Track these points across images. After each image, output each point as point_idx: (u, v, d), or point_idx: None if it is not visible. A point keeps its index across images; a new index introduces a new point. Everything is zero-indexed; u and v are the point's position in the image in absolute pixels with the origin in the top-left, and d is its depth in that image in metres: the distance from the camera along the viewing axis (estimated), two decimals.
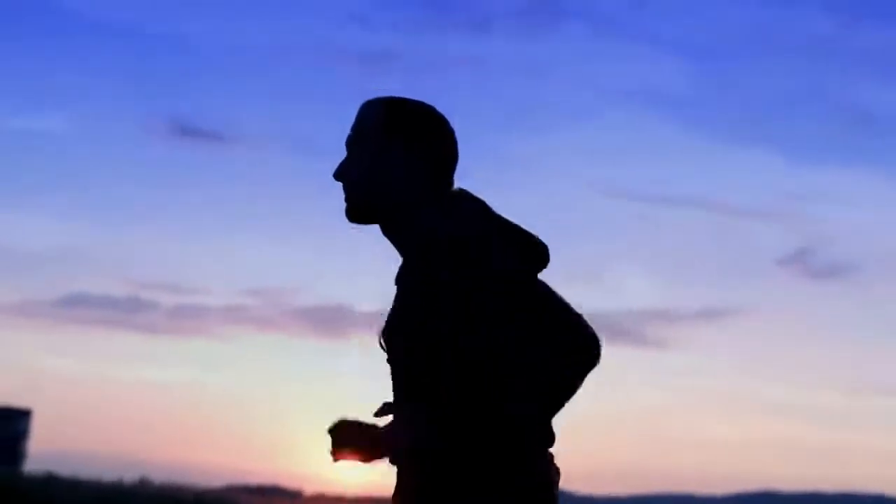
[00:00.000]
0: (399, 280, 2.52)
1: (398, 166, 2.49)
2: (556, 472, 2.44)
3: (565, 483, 2.45)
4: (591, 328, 2.39)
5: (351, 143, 2.55)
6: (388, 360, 2.49)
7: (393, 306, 2.50)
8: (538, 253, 2.43)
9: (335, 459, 2.49)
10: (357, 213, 2.53)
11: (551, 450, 2.43)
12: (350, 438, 2.47)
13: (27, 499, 21.08)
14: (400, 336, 2.43)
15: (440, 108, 2.57)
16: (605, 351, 2.40)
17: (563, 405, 2.39)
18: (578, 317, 2.39)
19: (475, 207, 2.46)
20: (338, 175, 2.54)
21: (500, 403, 2.32)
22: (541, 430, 2.39)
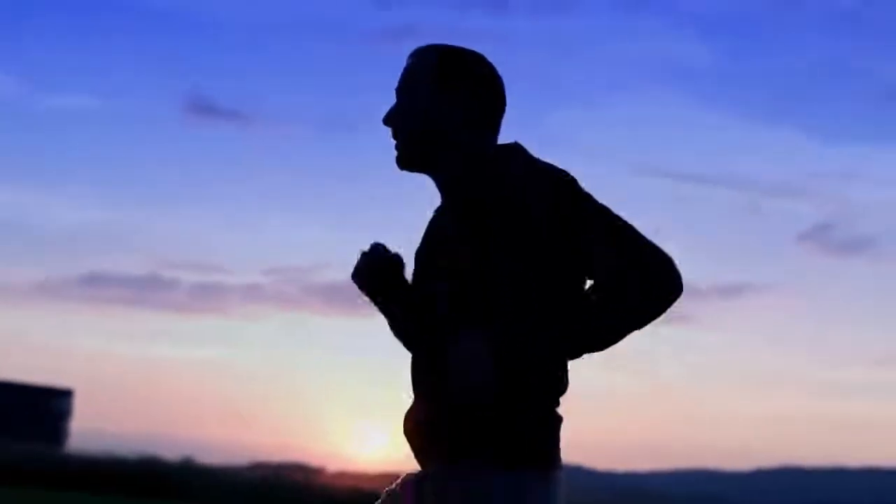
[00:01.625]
0: (442, 223, 2.57)
1: (450, 113, 2.53)
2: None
3: (587, 459, 3.16)
4: (673, 262, 2.43)
5: (401, 89, 2.59)
6: (428, 284, 2.55)
7: (432, 243, 2.58)
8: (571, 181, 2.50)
9: (356, 282, 2.63)
10: (409, 159, 2.57)
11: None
12: (379, 275, 2.60)
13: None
14: (476, 259, 2.43)
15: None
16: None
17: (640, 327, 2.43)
18: (659, 249, 2.43)
19: (529, 160, 2.50)
20: (388, 120, 2.58)
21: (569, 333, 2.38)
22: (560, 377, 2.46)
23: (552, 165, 2.47)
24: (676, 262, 2.41)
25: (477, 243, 2.42)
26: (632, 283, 2.37)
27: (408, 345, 2.61)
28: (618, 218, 2.43)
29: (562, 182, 2.42)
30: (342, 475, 26.13)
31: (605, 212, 2.43)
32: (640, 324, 2.40)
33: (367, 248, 2.60)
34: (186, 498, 20.98)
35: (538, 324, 2.37)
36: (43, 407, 35.18)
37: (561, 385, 2.44)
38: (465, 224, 2.46)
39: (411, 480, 2.48)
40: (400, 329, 2.64)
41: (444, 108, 2.52)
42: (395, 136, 2.57)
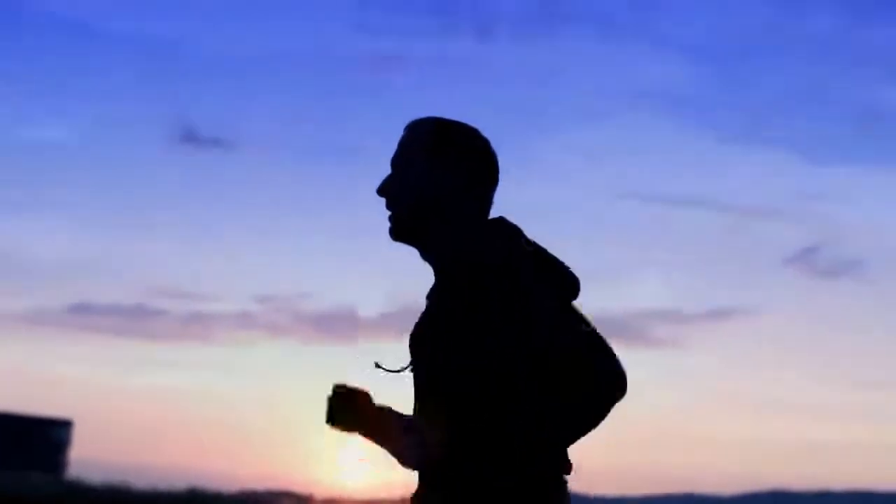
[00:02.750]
0: (433, 297, 2.55)
1: (444, 187, 2.52)
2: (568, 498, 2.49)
3: (575, 484, 2.47)
4: (620, 365, 2.43)
5: (397, 161, 2.58)
6: (416, 372, 2.53)
7: (425, 320, 2.54)
8: (571, 283, 2.48)
9: (332, 427, 2.53)
10: (402, 231, 2.57)
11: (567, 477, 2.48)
12: (351, 413, 2.52)
13: None
14: (439, 351, 2.45)
15: (445, 113, 2.61)
16: (615, 350, 2.44)
17: (585, 434, 2.45)
18: (610, 352, 2.43)
19: (515, 235, 2.50)
20: (382, 191, 2.58)
21: (534, 427, 2.38)
22: (563, 457, 2.45)
23: (515, 248, 2.45)
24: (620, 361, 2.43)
25: (467, 331, 2.40)
26: (579, 388, 2.38)
27: (416, 465, 2.53)
28: (570, 315, 2.42)
29: (516, 270, 2.40)
30: (331, 502, 26.32)
31: (554, 307, 2.41)
32: (586, 426, 2.42)
33: (330, 393, 2.53)
34: None
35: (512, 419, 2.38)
36: (42, 437, 35.06)
37: (560, 469, 2.45)
38: (463, 301, 2.43)
39: None
40: (401, 452, 2.55)
41: (439, 182, 2.52)
42: (389, 207, 2.57)
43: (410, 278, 2.64)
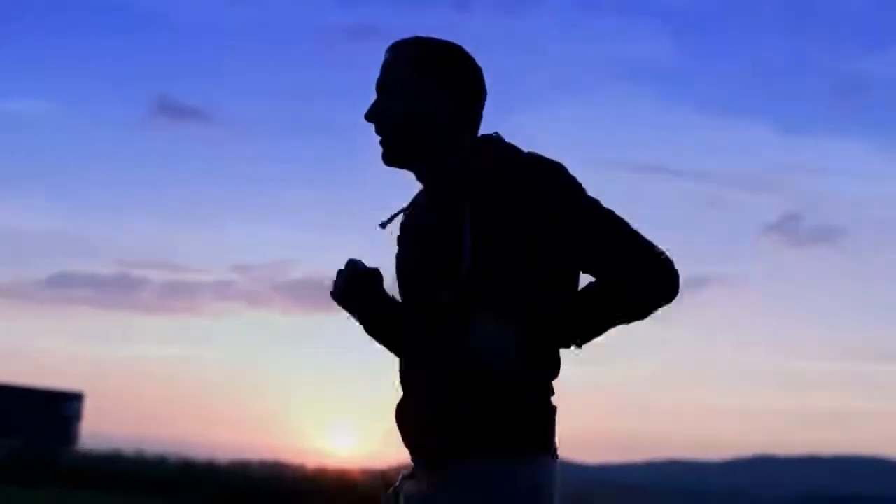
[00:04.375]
0: (430, 217, 2.50)
1: (433, 106, 2.48)
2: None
3: (562, 451, 2.42)
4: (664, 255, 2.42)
5: (383, 85, 2.53)
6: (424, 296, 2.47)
7: (421, 237, 2.51)
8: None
9: (339, 303, 2.56)
10: (395, 155, 2.51)
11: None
12: (359, 290, 2.54)
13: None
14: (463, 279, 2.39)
15: None
16: None
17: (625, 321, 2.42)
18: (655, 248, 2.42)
19: (511, 147, 2.47)
20: (370, 116, 2.52)
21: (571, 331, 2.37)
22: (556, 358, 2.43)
23: (538, 156, 2.42)
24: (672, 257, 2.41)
25: (474, 234, 2.37)
26: (633, 281, 2.36)
27: (393, 349, 2.57)
28: (611, 212, 2.40)
29: (551, 173, 2.38)
30: (322, 472, 25.89)
31: (596, 205, 2.40)
32: (638, 317, 2.42)
33: (343, 267, 2.54)
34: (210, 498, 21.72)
35: (539, 312, 2.36)
36: (53, 410, 35.39)
37: (557, 372, 2.43)
38: (457, 216, 2.41)
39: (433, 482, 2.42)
40: (382, 335, 2.59)
41: (427, 102, 2.47)
42: (378, 132, 2.52)
43: (391, 246, 2.62)
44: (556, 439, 2.42)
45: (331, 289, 2.57)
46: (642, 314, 2.40)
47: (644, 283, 2.37)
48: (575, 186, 2.39)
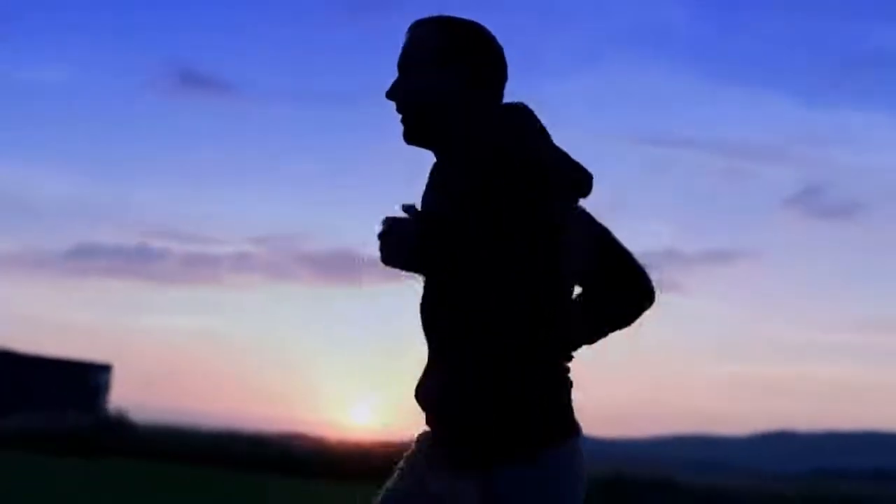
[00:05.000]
0: (441, 183, 2.49)
1: (454, 85, 2.48)
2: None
3: (584, 427, 2.43)
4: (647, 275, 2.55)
5: (404, 63, 2.53)
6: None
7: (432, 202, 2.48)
8: (587, 178, 2.44)
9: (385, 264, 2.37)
10: (416, 134, 2.51)
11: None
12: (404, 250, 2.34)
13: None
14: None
15: None
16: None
17: (610, 333, 2.57)
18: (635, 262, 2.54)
19: (531, 120, 2.48)
20: (391, 94, 2.52)
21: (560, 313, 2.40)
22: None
23: (553, 153, 2.42)
24: (648, 271, 2.52)
25: (484, 199, 2.34)
26: (609, 292, 2.50)
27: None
28: (599, 225, 2.49)
29: (559, 174, 2.37)
30: (342, 444, 26.13)
31: (587, 217, 2.47)
32: (615, 328, 2.55)
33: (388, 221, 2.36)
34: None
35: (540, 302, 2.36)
36: (81, 381, 35.26)
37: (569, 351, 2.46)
38: (470, 180, 2.39)
39: (471, 481, 2.40)
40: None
41: (448, 81, 2.47)
42: (399, 110, 2.52)
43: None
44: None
45: (381, 252, 2.36)
46: (620, 324, 2.55)
47: (623, 293, 2.51)
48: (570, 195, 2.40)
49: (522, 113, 2.48)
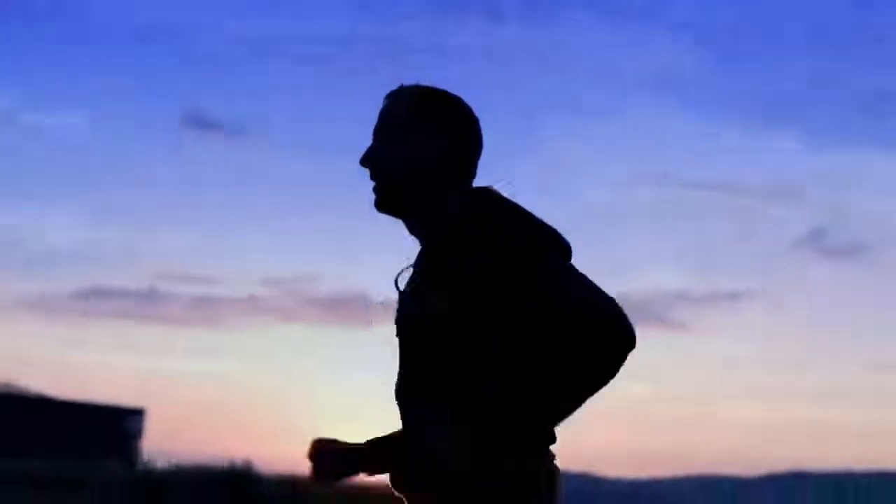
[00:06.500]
0: (418, 266, 2.47)
1: (428, 156, 2.45)
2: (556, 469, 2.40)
3: (592, 467, 2.53)
4: (628, 318, 2.28)
5: (379, 130, 2.51)
6: (402, 346, 2.45)
7: (408, 292, 2.46)
8: (565, 247, 2.40)
9: (315, 481, 2.53)
10: (387, 201, 2.48)
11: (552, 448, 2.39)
12: (329, 463, 2.51)
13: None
14: (419, 325, 2.39)
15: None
16: None
17: (596, 391, 2.31)
18: (618, 305, 2.29)
19: (503, 201, 2.43)
20: (365, 161, 2.49)
21: (526, 404, 2.30)
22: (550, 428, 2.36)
23: (524, 223, 2.36)
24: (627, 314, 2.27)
25: (443, 301, 2.32)
26: (587, 344, 2.25)
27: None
28: (577, 276, 2.32)
29: (515, 248, 2.31)
30: (352, 486, 27.00)
31: (558, 260, 2.34)
32: (600, 384, 2.28)
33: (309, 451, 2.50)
34: None
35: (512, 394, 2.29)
36: (115, 427, 34.65)
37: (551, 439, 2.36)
38: (431, 272, 2.38)
39: None
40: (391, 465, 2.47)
41: (423, 151, 2.44)
42: (373, 178, 2.48)
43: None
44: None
45: (310, 471, 2.51)
46: (603, 379, 2.29)
47: (601, 345, 2.25)
48: (532, 258, 2.30)
49: (492, 191, 2.45)
